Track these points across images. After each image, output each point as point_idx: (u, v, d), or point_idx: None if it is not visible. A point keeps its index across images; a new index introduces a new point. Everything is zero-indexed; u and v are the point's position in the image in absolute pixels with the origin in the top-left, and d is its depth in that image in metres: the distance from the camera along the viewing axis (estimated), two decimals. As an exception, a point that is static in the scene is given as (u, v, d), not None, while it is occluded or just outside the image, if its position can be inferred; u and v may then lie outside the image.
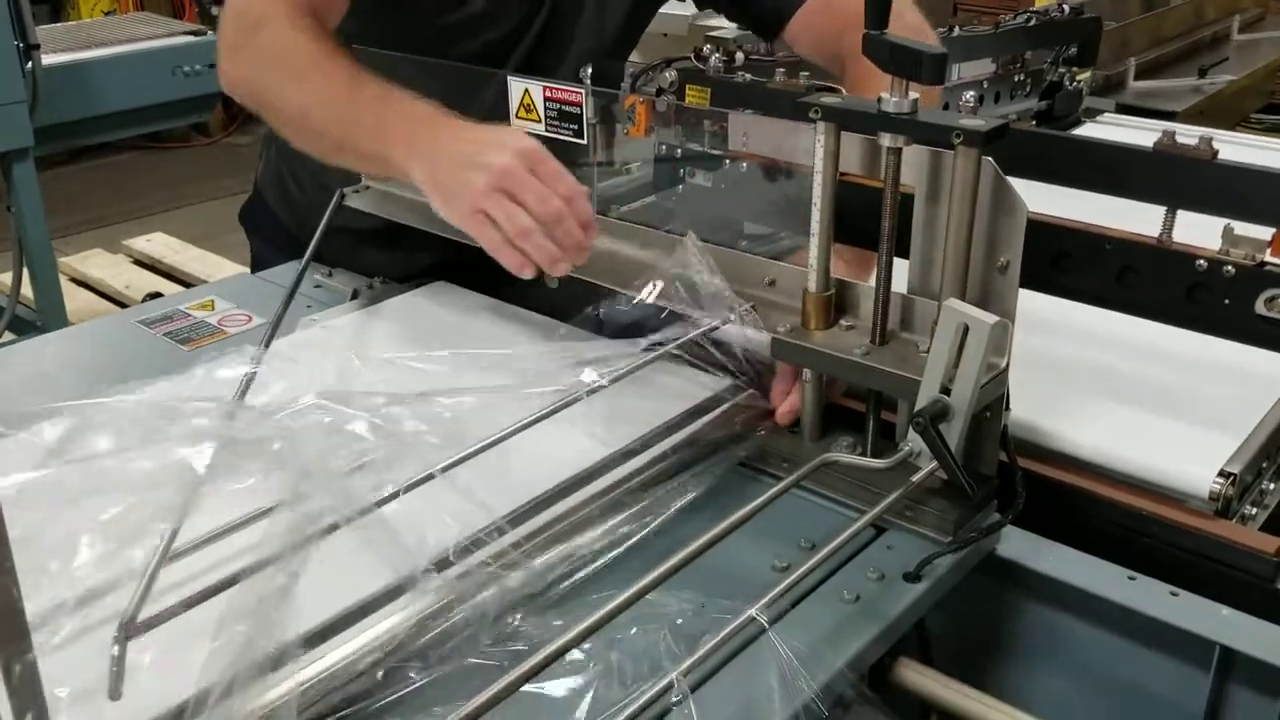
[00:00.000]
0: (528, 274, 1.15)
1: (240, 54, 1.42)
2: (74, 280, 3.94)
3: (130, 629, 0.72)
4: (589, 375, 1.11)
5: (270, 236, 1.81)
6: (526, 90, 1.40)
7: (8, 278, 3.58)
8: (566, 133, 1.37)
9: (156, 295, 2.22)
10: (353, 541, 0.88)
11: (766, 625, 0.89)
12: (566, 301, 1.37)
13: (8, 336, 3.33)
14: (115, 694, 0.71)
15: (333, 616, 0.86)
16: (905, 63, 0.99)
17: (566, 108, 1.36)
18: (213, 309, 1.59)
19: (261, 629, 0.75)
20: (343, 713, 0.80)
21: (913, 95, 1.01)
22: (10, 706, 0.65)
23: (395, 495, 0.90)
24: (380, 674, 0.82)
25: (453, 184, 1.16)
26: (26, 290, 3.29)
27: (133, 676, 0.72)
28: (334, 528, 0.85)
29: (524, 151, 1.13)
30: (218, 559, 0.95)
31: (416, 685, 0.81)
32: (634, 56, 1.71)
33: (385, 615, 0.87)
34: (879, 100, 1.02)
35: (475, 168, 1.14)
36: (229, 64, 1.43)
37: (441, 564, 0.89)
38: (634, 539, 1.02)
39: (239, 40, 1.42)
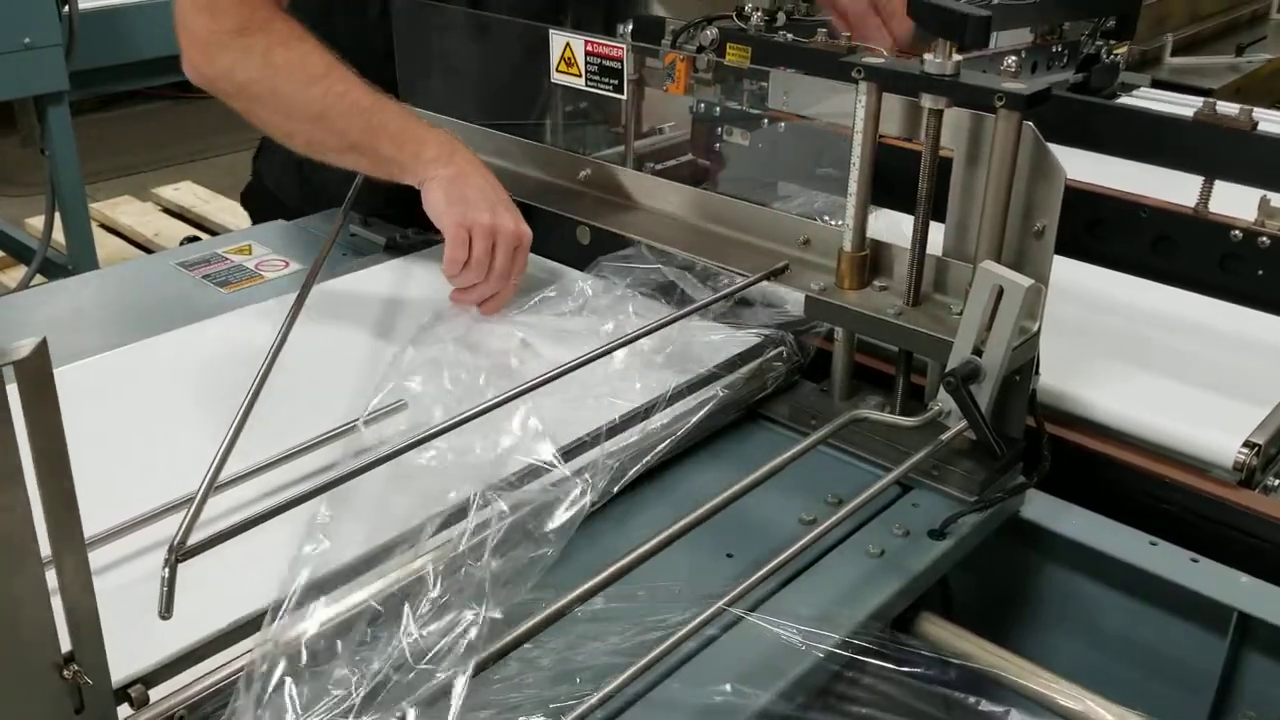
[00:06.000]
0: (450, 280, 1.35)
1: (224, 53, 1.42)
2: (104, 226, 3.97)
3: (180, 551, 0.74)
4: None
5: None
6: (568, 44, 1.41)
7: (38, 221, 3.62)
8: (606, 88, 1.38)
9: (194, 239, 2.24)
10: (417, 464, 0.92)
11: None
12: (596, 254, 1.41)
13: (37, 280, 3.36)
14: (166, 613, 0.73)
15: (395, 537, 0.89)
16: (949, 24, 0.99)
17: (607, 62, 1.37)
18: (250, 254, 1.61)
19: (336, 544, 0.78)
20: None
21: (956, 57, 1.01)
22: (63, 607, 0.68)
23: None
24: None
25: (468, 203, 1.32)
26: (57, 235, 3.32)
27: (180, 596, 0.74)
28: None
29: (518, 234, 1.33)
30: (267, 487, 0.98)
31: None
32: (673, 14, 1.71)
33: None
34: (921, 61, 1.03)
35: (489, 210, 1.32)
36: (204, 61, 1.44)
37: (503, 486, 0.92)
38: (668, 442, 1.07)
39: (218, 39, 1.42)
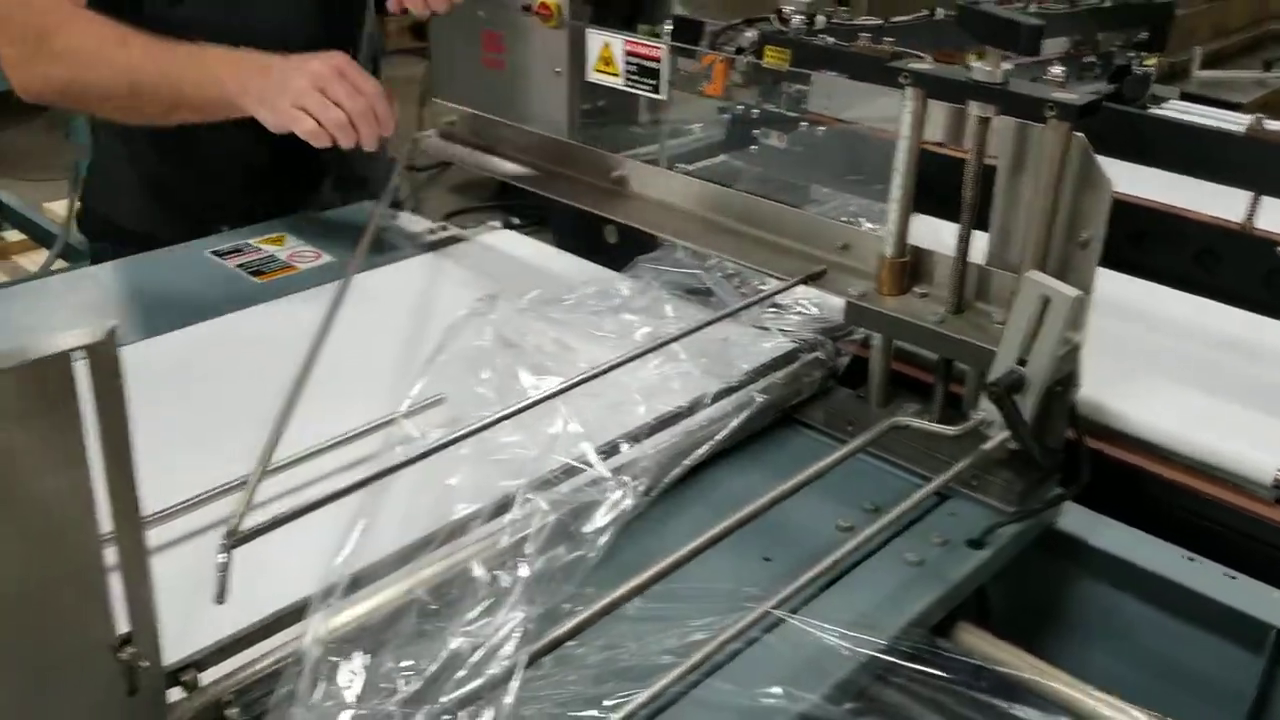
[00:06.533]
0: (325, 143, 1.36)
1: (36, 65, 1.47)
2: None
3: (235, 537, 0.75)
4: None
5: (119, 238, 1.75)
6: (606, 44, 1.41)
7: (59, 206, 3.62)
8: (644, 88, 1.38)
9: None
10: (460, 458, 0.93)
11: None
12: (623, 253, 1.41)
13: (59, 264, 3.37)
14: (221, 599, 0.73)
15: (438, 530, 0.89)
16: (1000, 33, 0.99)
17: (647, 63, 1.37)
18: (283, 244, 1.61)
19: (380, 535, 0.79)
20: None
21: (1005, 65, 1.01)
22: (123, 584, 0.68)
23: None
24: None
25: (275, 91, 1.35)
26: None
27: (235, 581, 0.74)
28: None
29: (333, 58, 1.36)
30: (308, 476, 0.98)
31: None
32: (712, 15, 1.71)
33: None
34: (969, 69, 1.03)
35: (294, 74, 1.35)
36: (22, 76, 1.49)
37: (544, 484, 0.92)
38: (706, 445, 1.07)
39: (28, 54, 1.47)
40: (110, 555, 0.67)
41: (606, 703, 0.75)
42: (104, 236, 1.80)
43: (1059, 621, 1.11)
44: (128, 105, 1.47)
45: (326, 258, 1.57)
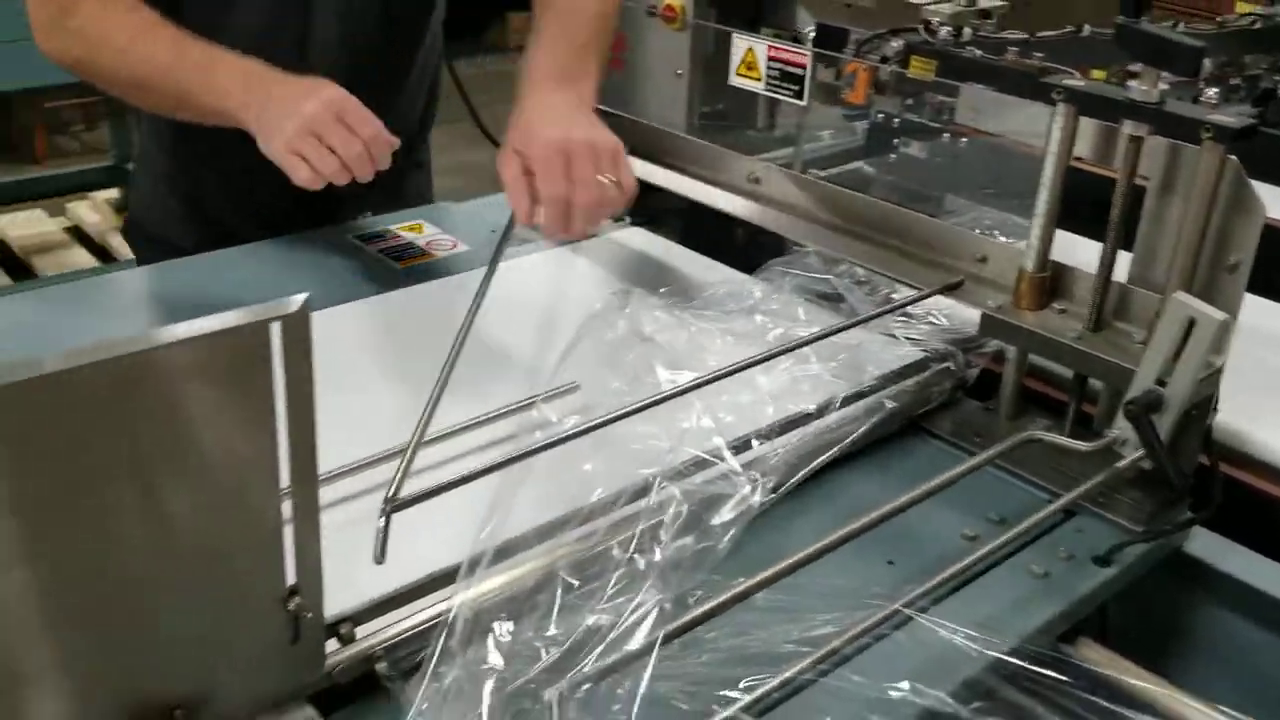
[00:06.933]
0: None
1: (54, 36, 1.45)
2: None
3: (394, 503, 0.79)
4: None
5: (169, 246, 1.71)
6: (750, 48, 1.43)
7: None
8: (786, 93, 1.40)
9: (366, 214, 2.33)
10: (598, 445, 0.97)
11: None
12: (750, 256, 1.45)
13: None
14: (380, 559, 0.78)
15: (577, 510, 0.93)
16: (1159, 53, 0.99)
17: (790, 68, 1.39)
18: (421, 232, 1.67)
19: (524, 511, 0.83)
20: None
21: (1162, 85, 1.01)
22: (294, 540, 0.73)
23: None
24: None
25: (273, 128, 1.31)
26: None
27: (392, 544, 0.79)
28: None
29: (332, 100, 1.31)
30: (451, 452, 1.03)
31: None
32: (839, 22, 1.72)
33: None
34: (1125, 88, 1.03)
35: (290, 114, 1.30)
36: (45, 43, 1.46)
37: (677, 475, 0.95)
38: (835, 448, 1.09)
39: (48, 22, 1.44)
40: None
41: (740, 685, 0.78)
42: (146, 246, 1.77)
43: (1180, 645, 1.10)
44: (134, 95, 1.47)
45: (463, 246, 1.62)
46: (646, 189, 1.64)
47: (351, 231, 1.67)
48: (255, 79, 1.36)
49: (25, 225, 4.25)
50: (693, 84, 3.39)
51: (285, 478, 0.71)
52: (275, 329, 0.67)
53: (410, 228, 1.69)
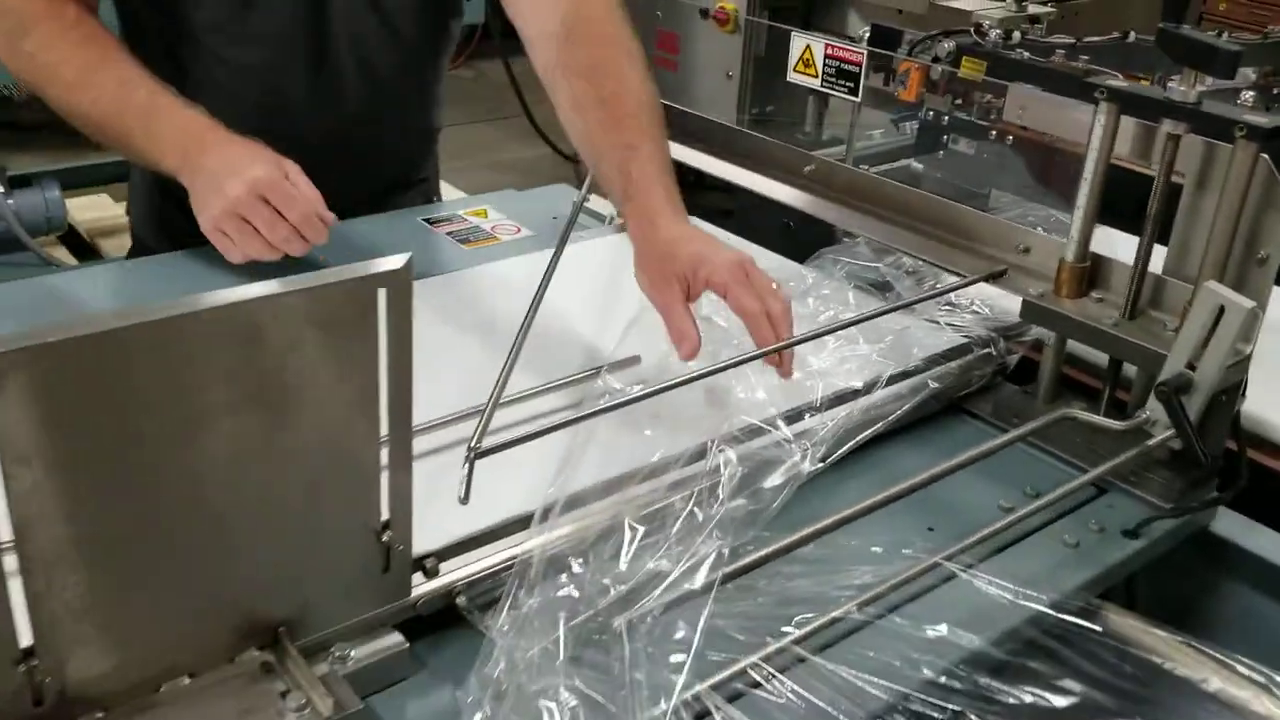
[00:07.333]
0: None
1: (11, 56, 1.39)
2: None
3: (477, 451, 0.87)
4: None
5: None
6: (807, 46, 1.50)
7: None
8: (841, 90, 1.47)
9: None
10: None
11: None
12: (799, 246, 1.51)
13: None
14: (465, 500, 0.86)
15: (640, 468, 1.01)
16: (1199, 55, 1.05)
17: (845, 66, 1.46)
18: (486, 217, 1.76)
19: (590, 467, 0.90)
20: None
21: (1200, 87, 1.07)
22: (388, 478, 0.81)
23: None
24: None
25: (202, 202, 1.30)
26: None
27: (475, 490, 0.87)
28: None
29: (257, 180, 1.27)
30: (523, 415, 1.11)
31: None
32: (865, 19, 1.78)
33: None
34: (1165, 88, 1.09)
35: (217, 192, 1.28)
36: (5, 59, 1.41)
37: (732, 440, 1.03)
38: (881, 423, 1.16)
39: (8, 34, 1.38)
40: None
41: (791, 622, 0.85)
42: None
43: (1203, 619, 1.16)
44: (87, 131, 1.40)
45: (526, 231, 1.70)
46: (704, 187, 1.71)
47: (421, 214, 1.75)
48: (193, 141, 1.32)
49: (91, 209, 4.40)
50: (743, 85, 3.45)
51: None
52: (381, 284, 0.75)
53: (476, 213, 1.77)
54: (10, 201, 2.71)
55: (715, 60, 3.51)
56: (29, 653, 0.70)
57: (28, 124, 3.01)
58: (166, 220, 1.62)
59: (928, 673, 0.83)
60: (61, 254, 3.23)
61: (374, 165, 1.71)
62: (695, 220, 1.66)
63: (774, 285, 1.14)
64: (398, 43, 1.60)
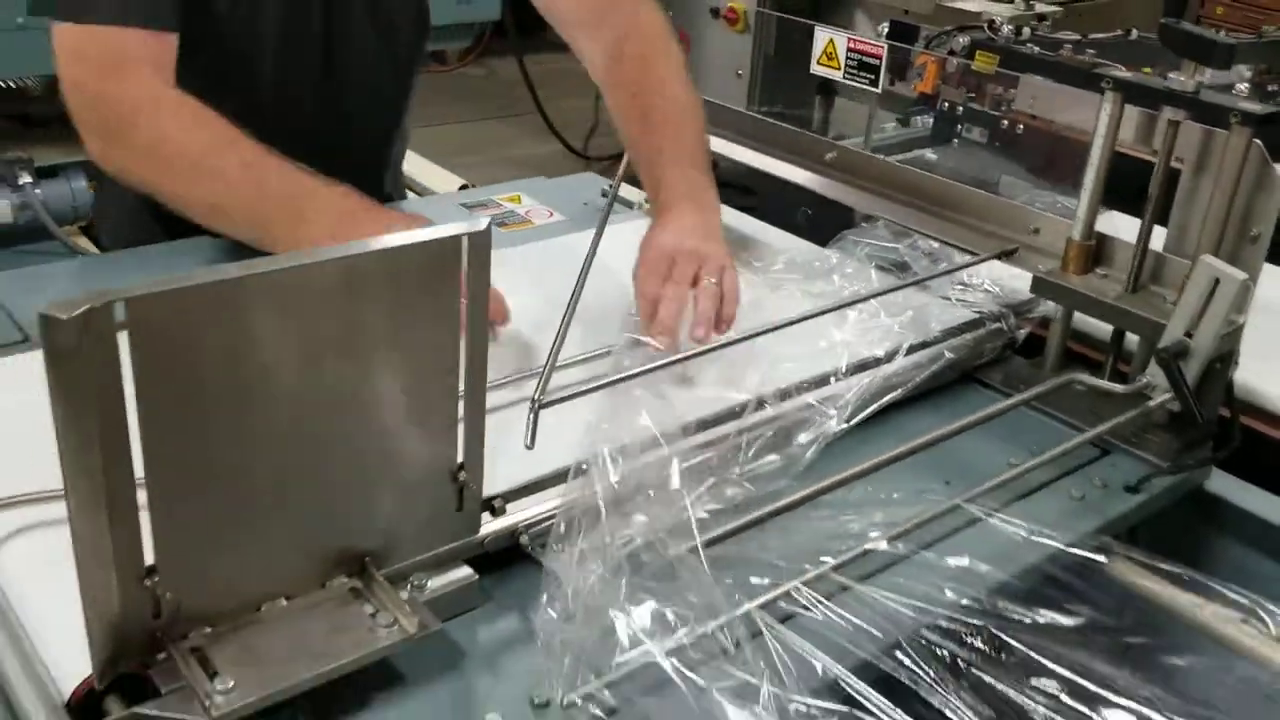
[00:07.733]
0: None
1: (115, 146, 1.33)
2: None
3: (541, 403, 0.97)
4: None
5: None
6: (831, 40, 1.59)
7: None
8: (863, 81, 1.56)
9: (465, 186, 2.52)
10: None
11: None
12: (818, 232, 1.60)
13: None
14: (530, 445, 0.96)
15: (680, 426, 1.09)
16: (1198, 48, 1.14)
17: (866, 59, 1.55)
18: (520, 202, 1.85)
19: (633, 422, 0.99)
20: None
21: (1198, 78, 1.16)
22: (463, 425, 0.90)
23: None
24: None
25: None
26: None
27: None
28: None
29: None
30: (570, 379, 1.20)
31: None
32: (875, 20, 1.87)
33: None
34: (1165, 78, 1.18)
35: None
36: (102, 150, 1.34)
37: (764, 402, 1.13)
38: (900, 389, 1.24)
39: (107, 128, 1.32)
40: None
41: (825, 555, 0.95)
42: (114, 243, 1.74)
43: (1197, 569, 1.24)
44: (195, 215, 1.33)
45: (559, 216, 1.79)
46: (722, 184, 1.80)
47: (457, 200, 1.85)
48: (344, 225, 1.26)
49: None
50: (753, 84, 3.52)
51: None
52: (465, 242, 0.84)
53: (510, 198, 1.86)
54: (38, 191, 2.80)
55: (725, 59, 3.58)
56: (151, 570, 0.79)
57: (40, 118, 3.08)
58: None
59: (952, 596, 0.92)
60: (84, 243, 3.32)
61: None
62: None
63: (707, 280, 1.26)
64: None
